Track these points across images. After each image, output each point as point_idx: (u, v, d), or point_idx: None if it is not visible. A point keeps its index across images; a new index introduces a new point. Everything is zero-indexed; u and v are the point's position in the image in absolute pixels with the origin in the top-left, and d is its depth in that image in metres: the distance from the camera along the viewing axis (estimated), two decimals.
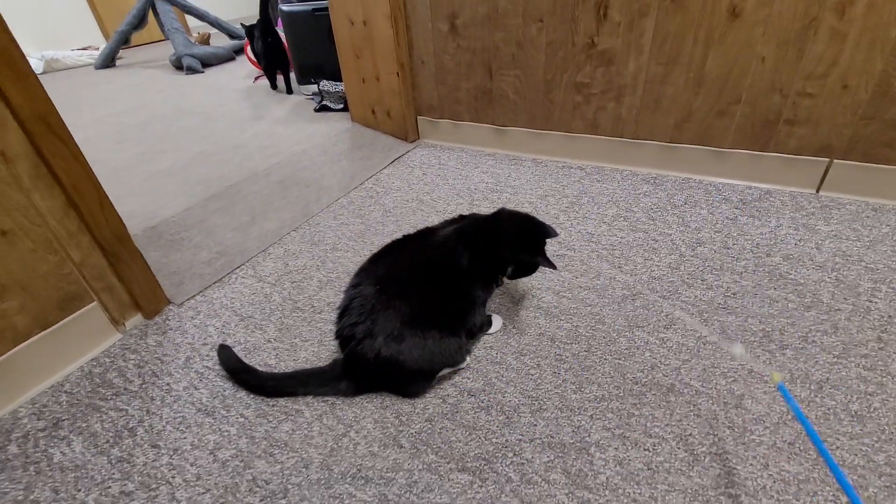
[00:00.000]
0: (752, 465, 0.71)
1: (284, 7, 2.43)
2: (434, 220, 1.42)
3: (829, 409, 0.77)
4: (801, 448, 0.72)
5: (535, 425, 0.80)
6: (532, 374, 0.89)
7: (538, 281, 1.13)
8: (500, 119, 1.77)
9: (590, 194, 1.48)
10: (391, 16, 1.68)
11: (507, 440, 0.78)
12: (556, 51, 1.53)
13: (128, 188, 1.76)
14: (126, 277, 1.05)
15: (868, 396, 0.79)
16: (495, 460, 0.75)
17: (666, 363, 0.88)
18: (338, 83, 2.29)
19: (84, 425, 0.87)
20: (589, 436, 0.77)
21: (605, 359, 0.91)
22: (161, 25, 3.78)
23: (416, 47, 1.79)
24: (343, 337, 0.83)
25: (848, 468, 0.69)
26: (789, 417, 0.77)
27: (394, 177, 1.71)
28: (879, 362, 0.84)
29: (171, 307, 1.15)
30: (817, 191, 1.35)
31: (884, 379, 0.81)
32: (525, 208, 1.42)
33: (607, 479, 0.71)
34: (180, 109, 2.69)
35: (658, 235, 1.25)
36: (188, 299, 1.17)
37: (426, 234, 0.96)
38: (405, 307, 0.81)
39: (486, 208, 1.45)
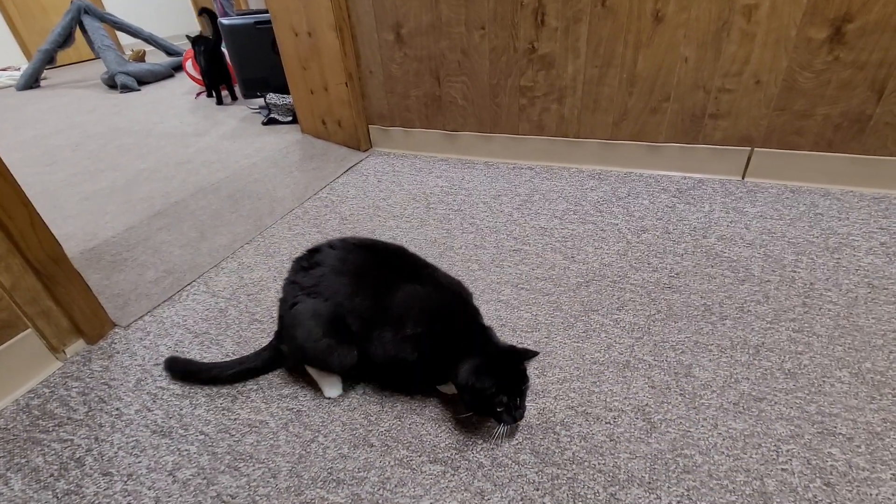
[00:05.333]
0: (703, 426, 0.76)
1: (225, 21, 2.38)
2: (391, 224, 1.43)
3: (766, 369, 0.84)
4: (745, 407, 0.78)
5: None
6: None
7: (496, 276, 1.16)
8: (450, 124, 1.81)
9: (540, 192, 1.53)
10: (336, 26, 1.68)
11: (475, 428, 0.79)
12: (499, 56, 1.59)
13: (62, 211, 1.65)
14: (64, 301, 0.99)
15: (798, 355, 0.86)
16: (466, 448, 0.76)
17: (620, 342, 0.93)
18: (285, 95, 2.26)
19: (23, 461, 0.80)
20: (554, 416, 0.80)
21: (565, 343, 0.95)
22: (90, 43, 3.59)
23: (363, 57, 1.81)
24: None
25: (785, 420, 0.75)
26: (733, 381, 0.83)
27: (348, 185, 1.71)
28: (806, 324, 0.93)
29: (116, 330, 1.09)
30: (743, 177, 1.48)
31: (810, 339, 0.90)
32: (479, 209, 1.47)
33: (573, 454, 0.74)
34: (116, 128, 2.56)
35: (606, 226, 1.32)
36: (135, 321, 1.11)
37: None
38: (349, 290, 0.79)
39: (442, 210, 1.48)
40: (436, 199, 1.56)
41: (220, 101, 2.82)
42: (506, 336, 0.97)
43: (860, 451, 0.70)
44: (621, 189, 1.50)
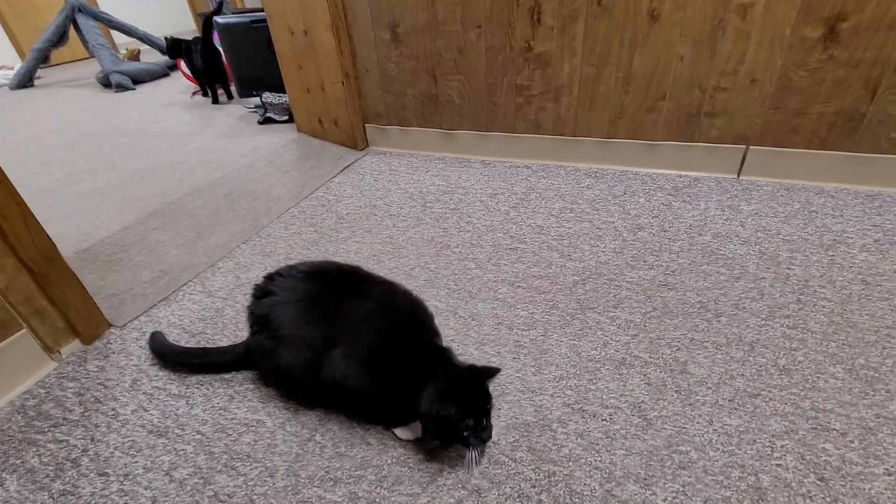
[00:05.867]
0: (698, 423, 0.76)
1: (220, 20, 2.37)
2: (388, 223, 1.43)
3: (760, 366, 0.85)
4: (740, 403, 0.79)
5: (499, 409, 0.82)
6: (493, 362, 0.92)
7: (493, 274, 1.16)
8: (446, 123, 1.81)
9: (537, 190, 1.54)
10: (332, 25, 1.68)
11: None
12: (495, 55, 1.59)
13: (57, 211, 1.64)
14: (59, 301, 0.99)
15: (793, 352, 0.87)
16: (462, 447, 0.76)
17: (616, 339, 0.94)
18: (281, 94, 2.25)
19: (18, 462, 0.80)
20: (550, 413, 0.80)
21: (561, 341, 0.95)
22: (84, 42, 3.57)
23: (359, 56, 1.81)
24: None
25: (780, 416, 0.76)
26: (728, 377, 0.83)
27: (345, 184, 1.71)
28: (800, 321, 0.93)
29: (112, 330, 1.09)
30: (738, 175, 1.48)
31: (804, 335, 0.90)
32: (476, 207, 1.47)
33: (570, 451, 0.74)
34: (111, 128, 2.55)
35: (602, 224, 1.32)
36: (131, 321, 1.11)
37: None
38: (299, 320, 0.79)
39: (438, 209, 1.48)
40: (432, 198, 1.56)
41: (215, 100, 2.82)
42: (502, 335, 0.98)
43: (853, 446, 0.71)
44: (617, 187, 1.50)
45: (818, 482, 0.67)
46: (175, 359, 0.96)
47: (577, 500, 0.67)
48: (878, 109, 1.26)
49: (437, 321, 1.02)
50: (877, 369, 0.82)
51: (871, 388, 0.79)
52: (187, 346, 1.01)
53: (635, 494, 0.67)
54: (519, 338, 0.97)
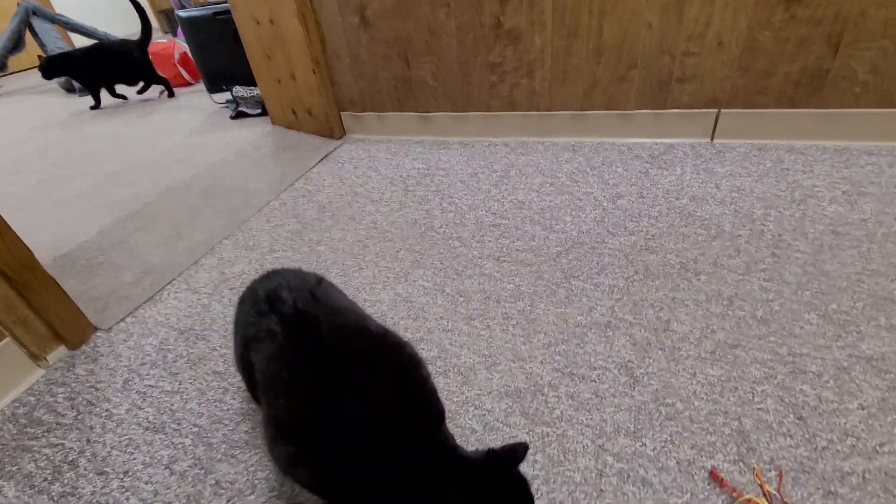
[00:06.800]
0: (682, 376, 0.79)
1: (182, 13, 2.30)
2: (371, 209, 1.43)
3: (739, 318, 0.88)
4: (721, 354, 0.82)
5: (491, 379, 0.84)
6: (483, 335, 0.93)
7: (478, 251, 1.17)
8: (422, 106, 1.80)
9: (516, 167, 1.55)
10: (298, 12, 1.65)
11: (466, 397, 0.81)
12: (466, 34, 1.58)
13: (32, 219, 1.60)
14: (41, 308, 0.97)
15: (769, 303, 0.90)
16: (458, 416, 0.78)
17: (601, 304, 0.96)
18: (252, 87, 2.21)
19: (14, 469, 0.79)
20: (541, 378, 0.82)
21: (548, 309, 0.97)
22: (42, 46, 3.44)
23: (329, 42, 1.78)
24: None
25: (759, 363, 0.79)
26: (709, 331, 0.86)
27: (324, 174, 1.69)
28: (776, 273, 0.97)
29: (98, 334, 1.07)
30: (711, 139, 1.51)
31: (780, 287, 0.93)
32: (457, 188, 1.48)
33: (562, 412, 0.76)
34: (80, 132, 2.48)
35: (582, 195, 1.34)
36: (117, 323, 1.10)
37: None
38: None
39: (420, 192, 1.48)
40: (413, 182, 1.55)
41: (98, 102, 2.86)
42: (490, 308, 0.99)
43: (829, 385, 0.74)
44: (595, 159, 1.52)
45: (797, 421, 0.70)
46: None
47: (570, 457, 0.70)
48: (841, 65, 1.29)
49: (425, 300, 1.04)
50: (848, 313, 0.86)
51: (843, 331, 0.82)
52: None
53: (626, 447, 0.70)
54: (507, 310, 0.98)
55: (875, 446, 0.65)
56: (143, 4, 2.67)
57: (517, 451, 0.52)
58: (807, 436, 0.68)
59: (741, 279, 0.96)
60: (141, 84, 2.95)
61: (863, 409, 0.70)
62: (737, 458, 0.66)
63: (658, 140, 1.56)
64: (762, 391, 0.75)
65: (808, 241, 1.04)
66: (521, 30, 1.51)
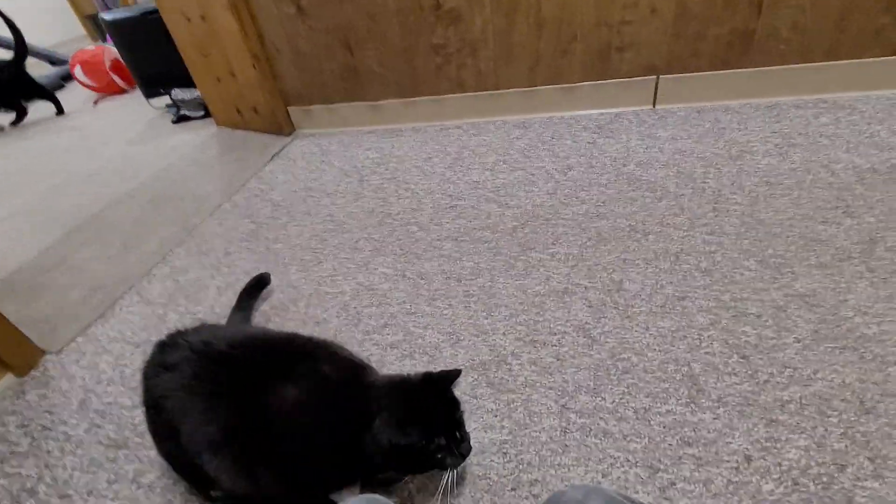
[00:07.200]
0: (636, 331, 0.83)
1: (107, 16, 2.17)
2: (326, 202, 1.41)
3: (685, 272, 0.92)
4: (670, 307, 0.86)
5: (457, 355, 0.85)
6: (446, 314, 0.94)
7: (436, 233, 1.18)
8: (371, 94, 1.78)
9: (469, 148, 1.55)
10: (231, 5, 1.59)
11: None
12: (406, 17, 1.56)
13: None
14: None
15: (712, 254, 0.95)
16: None
17: (558, 272, 0.99)
18: (192, 89, 2.12)
19: None
20: (504, 349, 0.84)
21: (508, 283, 0.99)
22: None
23: (266, 35, 1.72)
24: None
25: (705, 311, 0.84)
26: (658, 287, 0.90)
27: (276, 172, 1.65)
28: (717, 227, 1.02)
29: (48, 357, 1.03)
30: (654, 105, 1.56)
31: (721, 238, 0.98)
32: (412, 174, 1.47)
33: (525, 378, 0.79)
34: (11, 149, 2.33)
35: (534, 170, 1.36)
36: (67, 344, 1.05)
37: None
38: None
39: (376, 181, 1.47)
40: (368, 172, 1.54)
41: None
42: (451, 288, 1.00)
43: (768, 324, 0.79)
44: (545, 133, 1.54)
45: (741, 360, 0.75)
46: None
47: (536, 419, 0.72)
48: (766, 24, 1.35)
49: (387, 286, 1.05)
50: (783, 256, 0.91)
51: (779, 273, 0.88)
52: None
53: (587, 403, 0.73)
54: (467, 287, 1.00)
55: (810, 374, 0.71)
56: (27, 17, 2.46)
57: (450, 375, 0.63)
58: (750, 372, 0.73)
59: (686, 235, 1.01)
60: (14, 114, 2.72)
61: (798, 342, 0.76)
62: (688, 400, 0.70)
63: (603, 110, 1.60)
64: (708, 336, 0.79)
65: (744, 194, 1.09)
66: (461, 9, 1.51)
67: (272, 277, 1.12)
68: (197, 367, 0.63)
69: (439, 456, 0.58)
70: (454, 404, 0.61)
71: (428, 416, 0.58)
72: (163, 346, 0.68)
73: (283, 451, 0.59)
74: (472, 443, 0.62)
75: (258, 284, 1.08)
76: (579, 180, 1.27)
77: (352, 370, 0.67)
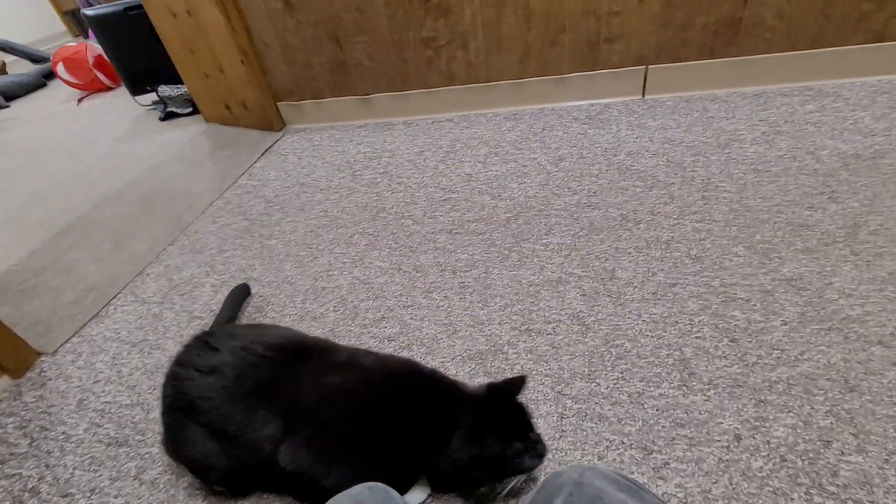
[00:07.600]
0: (629, 318, 0.84)
1: (89, 12, 2.13)
2: (320, 198, 1.41)
3: (676, 259, 0.94)
4: (662, 294, 0.88)
5: (454, 346, 0.86)
6: (442, 306, 0.96)
7: (430, 227, 1.19)
8: (361, 88, 1.77)
9: (461, 141, 1.56)
10: (218, 0, 1.57)
11: (431, 365, 0.83)
12: (395, 10, 1.56)
13: None
14: None
15: (701, 241, 0.97)
16: None
17: (551, 262, 1.00)
18: (179, 85, 2.09)
19: None
20: (500, 339, 0.86)
21: (502, 273, 1.00)
22: None
23: (254, 30, 1.70)
24: None
25: (695, 297, 0.85)
26: (650, 274, 0.92)
27: (268, 168, 1.65)
28: (706, 214, 1.04)
29: (43, 358, 1.02)
30: (643, 95, 1.57)
31: (710, 226, 1.00)
32: (405, 167, 1.48)
33: (521, 366, 0.80)
34: None
35: (526, 161, 1.37)
36: (62, 344, 1.05)
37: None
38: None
39: (368, 176, 1.47)
40: (360, 166, 1.54)
41: None
42: (447, 280, 1.01)
43: (756, 308, 0.81)
44: (536, 125, 1.55)
45: (730, 343, 0.77)
46: None
47: (532, 406, 0.74)
48: (752, 13, 1.36)
49: (383, 280, 1.06)
50: (770, 241, 0.93)
51: (766, 259, 0.90)
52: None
53: (582, 389, 0.75)
54: (463, 279, 1.01)
55: (797, 355, 0.73)
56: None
57: (516, 383, 0.64)
58: (739, 354, 0.75)
59: (676, 223, 1.03)
60: None
61: (785, 324, 0.78)
62: (680, 383, 0.72)
63: (594, 101, 1.61)
64: (699, 321, 0.81)
65: (733, 182, 1.11)
66: (450, 1, 1.51)
67: (267, 273, 1.12)
68: (239, 371, 0.66)
69: (517, 461, 0.59)
70: (522, 409, 0.63)
71: (502, 425, 0.61)
72: (189, 349, 0.70)
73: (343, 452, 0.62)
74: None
75: (240, 296, 1.04)
76: (571, 171, 1.28)
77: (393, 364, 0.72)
